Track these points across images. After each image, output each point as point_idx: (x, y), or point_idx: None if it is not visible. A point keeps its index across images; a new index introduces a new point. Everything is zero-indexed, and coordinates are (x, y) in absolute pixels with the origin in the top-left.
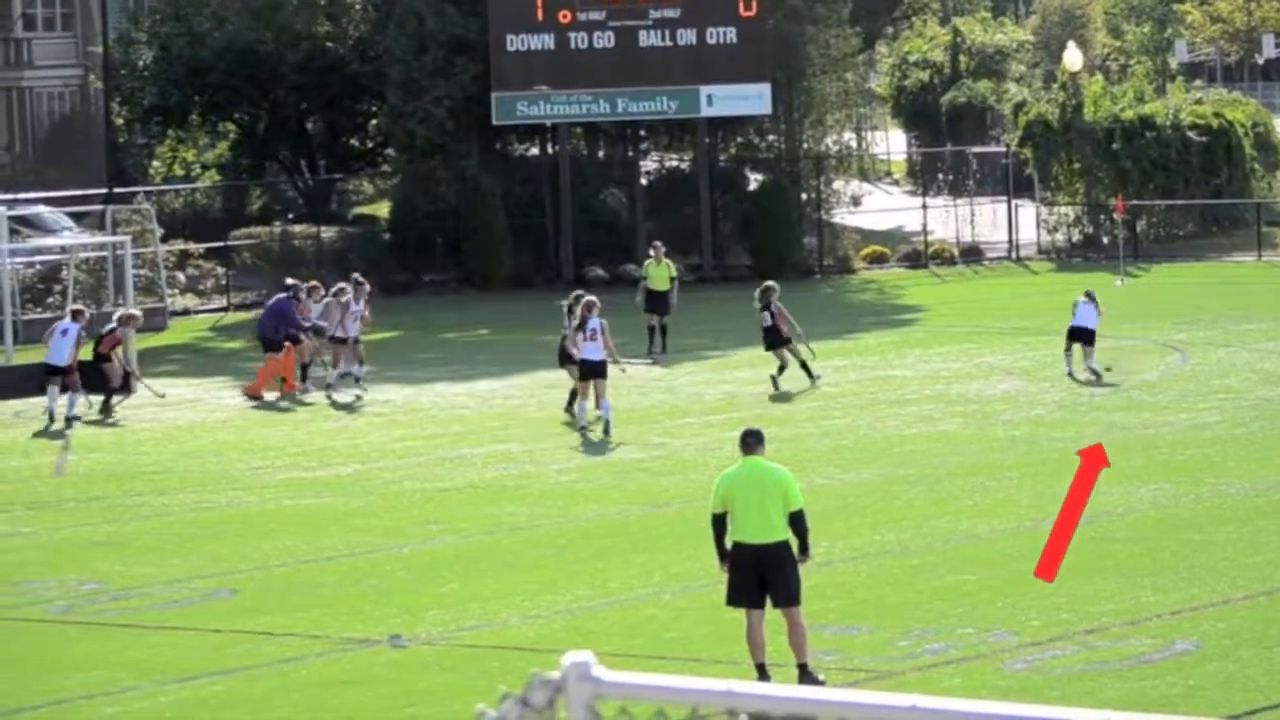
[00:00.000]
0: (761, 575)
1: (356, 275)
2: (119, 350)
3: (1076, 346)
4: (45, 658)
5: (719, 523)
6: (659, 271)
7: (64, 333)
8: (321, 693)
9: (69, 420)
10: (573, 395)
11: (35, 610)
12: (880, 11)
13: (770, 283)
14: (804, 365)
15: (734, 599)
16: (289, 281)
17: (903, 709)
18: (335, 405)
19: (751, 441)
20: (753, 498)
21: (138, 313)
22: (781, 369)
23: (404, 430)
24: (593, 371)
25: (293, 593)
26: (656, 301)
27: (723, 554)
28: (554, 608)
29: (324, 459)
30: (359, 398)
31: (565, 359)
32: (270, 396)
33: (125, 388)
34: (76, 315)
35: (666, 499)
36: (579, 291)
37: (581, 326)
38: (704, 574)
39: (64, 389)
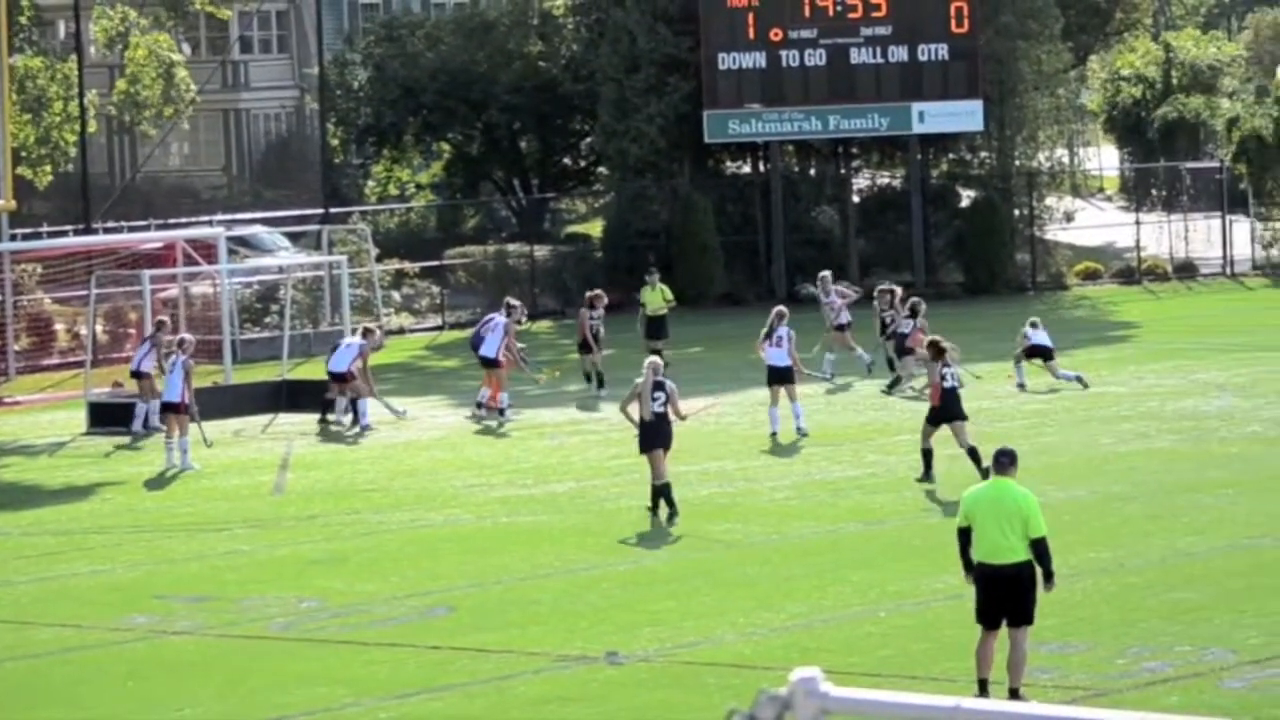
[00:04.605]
0: (997, 595)
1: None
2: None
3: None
4: (267, 674)
5: (963, 536)
6: (653, 296)
7: (347, 346)
8: (539, 710)
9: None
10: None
11: (256, 627)
12: (1092, 27)
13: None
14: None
15: (977, 615)
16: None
17: None
18: None
19: (1005, 462)
20: (990, 518)
21: (379, 327)
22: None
23: (619, 448)
24: (779, 377)
25: (509, 610)
26: (653, 326)
27: (967, 565)
28: (769, 625)
29: (539, 476)
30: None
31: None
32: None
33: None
34: (367, 333)
35: (881, 516)
36: (781, 308)
37: (770, 334)
38: (919, 591)
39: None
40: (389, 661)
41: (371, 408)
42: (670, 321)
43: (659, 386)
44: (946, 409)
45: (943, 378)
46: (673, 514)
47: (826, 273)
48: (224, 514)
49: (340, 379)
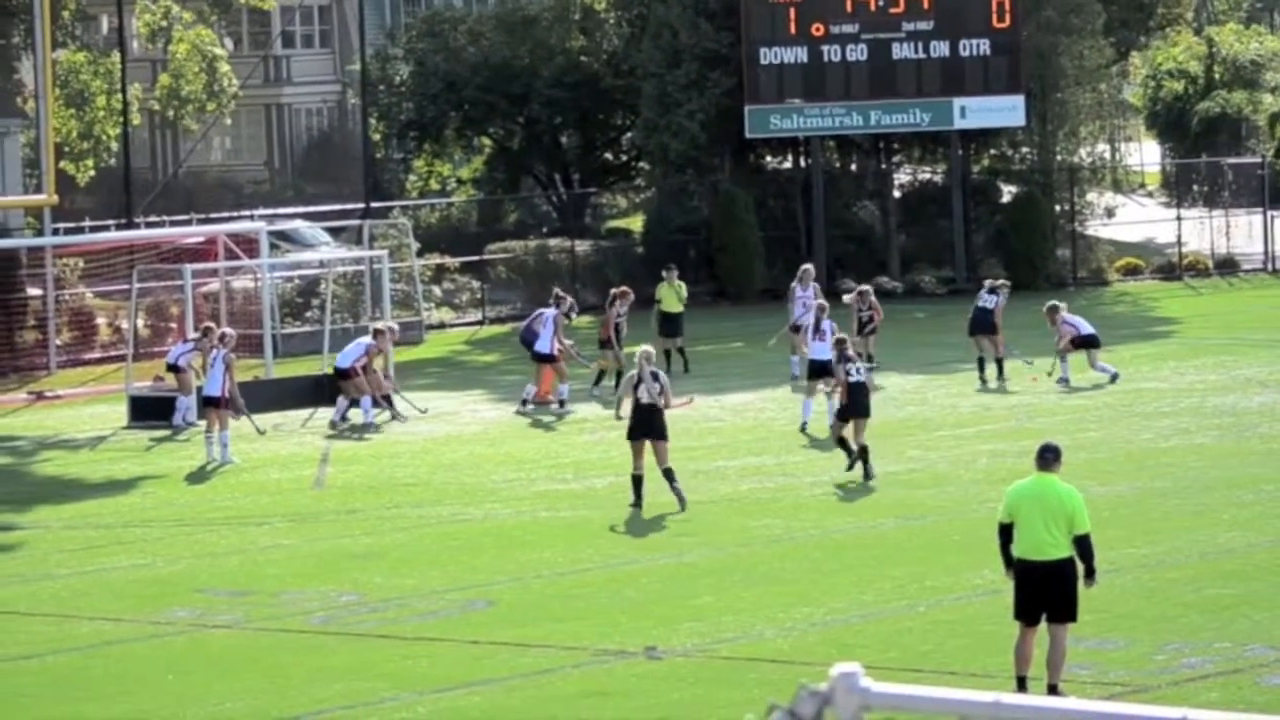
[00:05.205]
0: (1036, 591)
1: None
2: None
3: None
4: (306, 668)
5: (1004, 532)
6: (669, 293)
7: (355, 344)
8: (578, 704)
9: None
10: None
11: (296, 621)
12: (1134, 22)
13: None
14: None
15: (1015, 612)
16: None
17: None
18: None
19: (1049, 457)
20: (1034, 514)
21: (394, 325)
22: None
23: None
24: (820, 370)
25: (549, 604)
26: (669, 324)
27: (1008, 561)
28: (809, 620)
29: (579, 471)
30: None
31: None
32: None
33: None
34: (377, 335)
35: (921, 512)
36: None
37: (815, 328)
38: (959, 587)
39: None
40: (428, 656)
41: (400, 404)
42: (685, 319)
43: (654, 377)
44: (855, 404)
45: (847, 373)
46: (637, 502)
47: (809, 266)
48: (264, 508)
49: (344, 375)
